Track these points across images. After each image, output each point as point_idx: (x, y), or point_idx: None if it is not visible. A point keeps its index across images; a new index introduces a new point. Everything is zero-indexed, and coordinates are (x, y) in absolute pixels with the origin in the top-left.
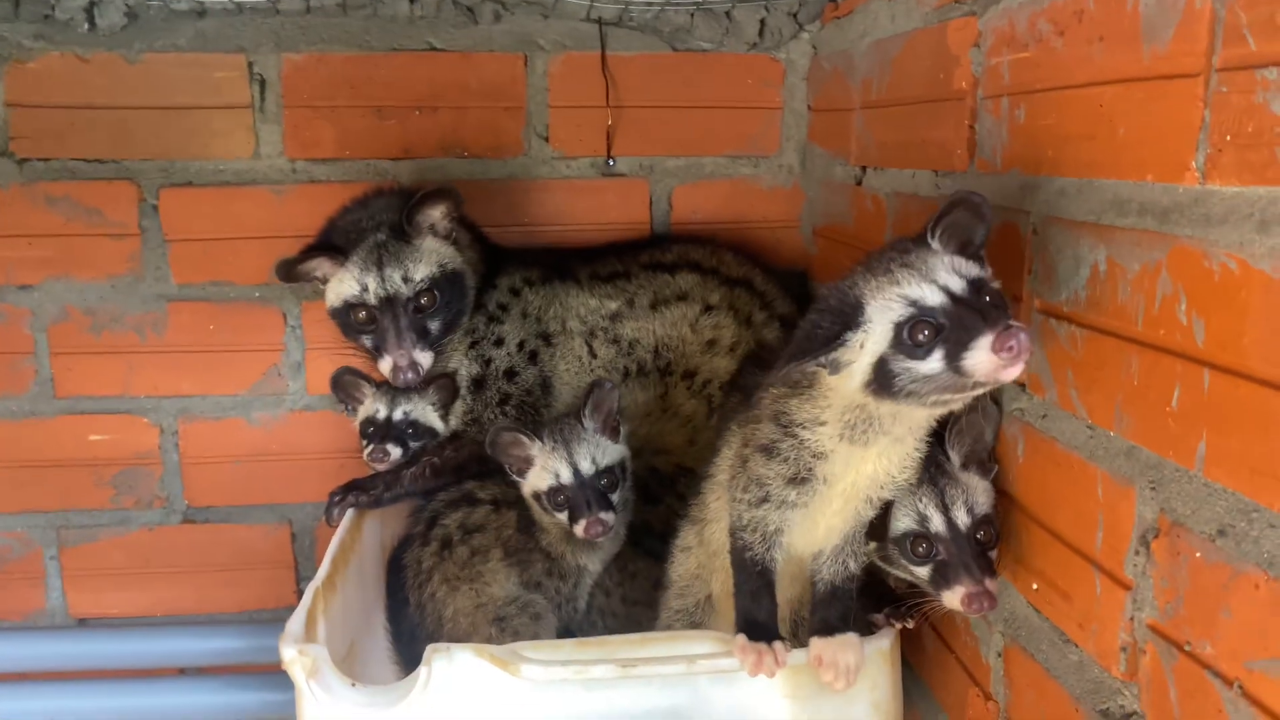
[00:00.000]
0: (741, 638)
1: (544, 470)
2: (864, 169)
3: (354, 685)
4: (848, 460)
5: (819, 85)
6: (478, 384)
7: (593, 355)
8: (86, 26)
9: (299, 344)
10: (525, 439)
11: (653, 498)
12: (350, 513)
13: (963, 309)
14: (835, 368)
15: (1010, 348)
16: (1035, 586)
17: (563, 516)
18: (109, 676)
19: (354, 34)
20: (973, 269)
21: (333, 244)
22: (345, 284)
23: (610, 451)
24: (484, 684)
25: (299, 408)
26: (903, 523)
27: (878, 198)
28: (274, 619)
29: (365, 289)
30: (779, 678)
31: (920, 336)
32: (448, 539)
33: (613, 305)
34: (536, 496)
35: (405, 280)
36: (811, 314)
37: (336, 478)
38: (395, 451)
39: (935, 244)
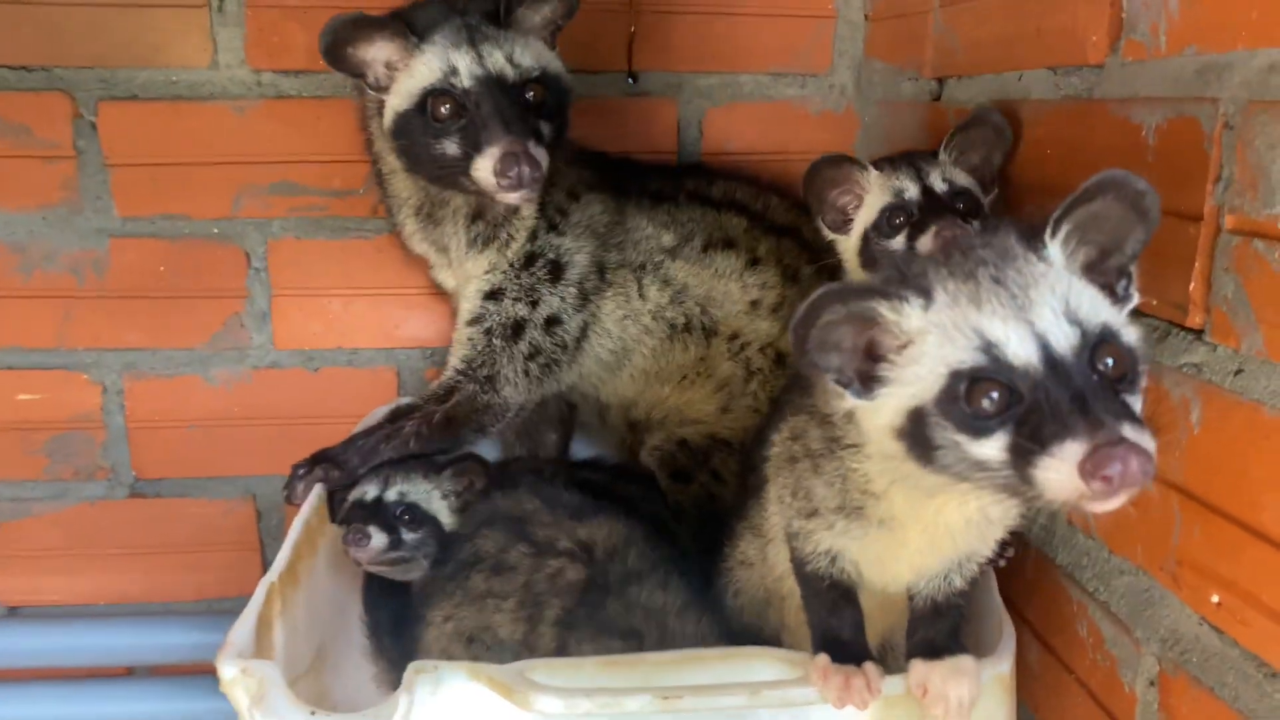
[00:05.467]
0: (823, 659)
1: None
2: (941, 81)
3: (313, 714)
4: (914, 506)
5: None
6: (515, 329)
7: (642, 296)
8: None
9: (264, 289)
10: None
11: (683, 475)
12: (318, 489)
13: (1061, 386)
14: (857, 387)
15: (1108, 477)
16: (1216, 599)
17: None
18: (44, 677)
19: None
20: (1103, 314)
21: (409, 23)
22: (424, 69)
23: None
24: (481, 717)
25: (264, 364)
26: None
27: (965, 111)
28: (235, 609)
29: (454, 70)
30: (870, 712)
31: (984, 404)
32: (476, 559)
33: (668, 237)
34: None
35: (510, 62)
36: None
37: (309, 447)
38: (379, 539)
39: (1055, 251)
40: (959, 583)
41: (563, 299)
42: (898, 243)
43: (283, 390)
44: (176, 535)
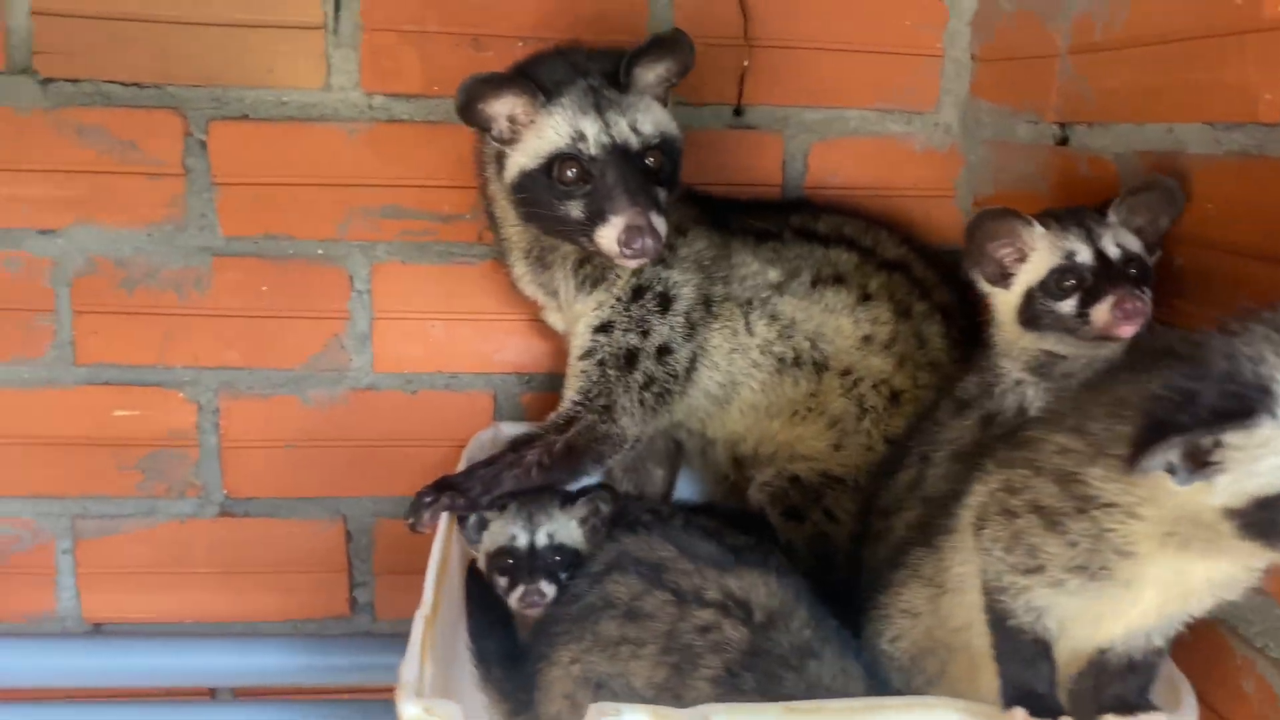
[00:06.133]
0: (1020, 713)
1: None
2: (1064, 125)
3: None
4: (1167, 567)
5: (992, 30)
6: (629, 359)
7: (750, 331)
8: None
9: (366, 312)
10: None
11: (795, 512)
12: (444, 517)
13: None
14: (1187, 475)
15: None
16: None
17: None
18: (127, 697)
19: None
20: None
21: (536, 80)
22: (551, 131)
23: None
24: None
25: (362, 386)
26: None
27: (1100, 159)
28: (321, 631)
29: (582, 136)
30: None
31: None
32: (606, 603)
33: (774, 274)
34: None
35: (634, 130)
36: (1176, 376)
37: (401, 470)
38: (550, 591)
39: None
40: (1159, 641)
41: (672, 328)
42: (1067, 306)
43: (379, 412)
44: (264, 555)
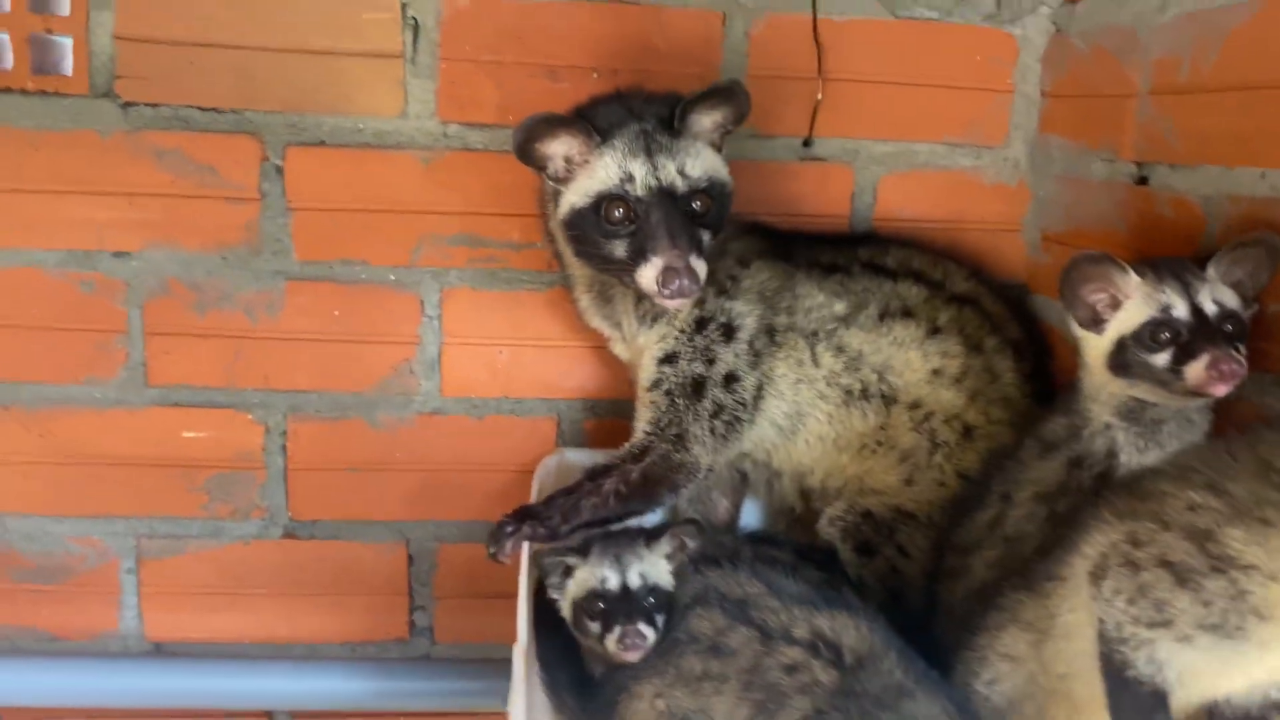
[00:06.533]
0: None
1: None
2: (1140, 164)
3: None
4: None
5: (1064, 67)
6: (696, 387)
7: (815, 363)
8: None
9: (436, 337)
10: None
11: (867, 548)
12: (526, 547)
13: None
14: None
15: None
16: None
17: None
18: (185, 718)
19: None
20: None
21: (592, 122)
22: (602, 172)
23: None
24: None
25: (429, 410)
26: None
27: (1185, 201)
28: (380, 654)
29: (630, 178)
30: None
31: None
32: (690, 638)
33: (840, 306)
34: None
35: (681, 174)
36: None
37: (465, 494)
38: (650, 634)
39: None
40: (1276, 695)
41: (737, 355)
42: (1161, 360)
43: (445, 436)
44: (325, 577)
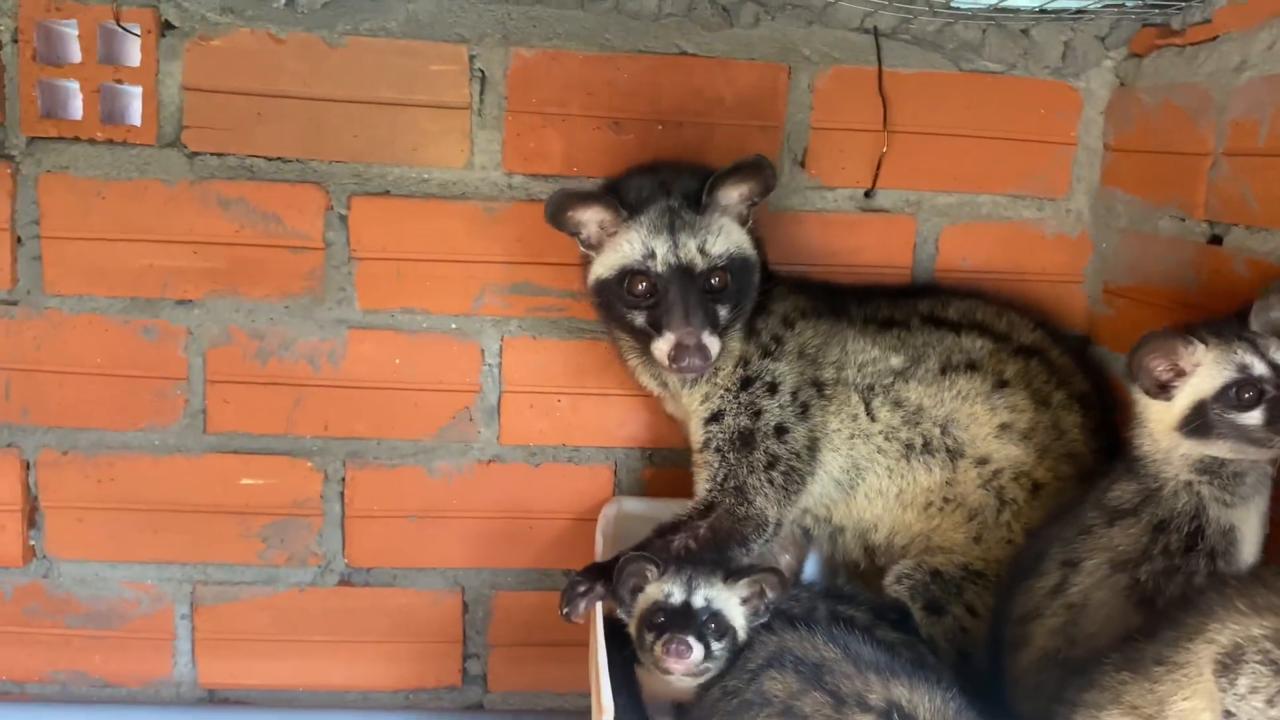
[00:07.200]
0: None
1: None
2: (1212, 224)
3: None
4: None
5: (1130, 121)
6: (744, 440)
7: (871, 417)
8: (283, 1)
9: (496, 385)
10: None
11: (936, 606)
12: (598, 606)
13: None
14: None
15: None
16: None
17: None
18: None
19: (592, 30)
20: None
21: (621, 196)
22: (627, 246)
23: None
24: None
25: (487, 458)
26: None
27: (1263, 263)
28: (434, 701)
29: (652, 254)
30: None
31: None
32: (763, 700)
33: (896, 360)
34: None
35: (701, 252)
36: None
37: (521, 541)
38: (698, 649)
39: None
40: None
41: (782, 407)
42: (1253, 418)
43: (502, 484)
44: (380, 624)
